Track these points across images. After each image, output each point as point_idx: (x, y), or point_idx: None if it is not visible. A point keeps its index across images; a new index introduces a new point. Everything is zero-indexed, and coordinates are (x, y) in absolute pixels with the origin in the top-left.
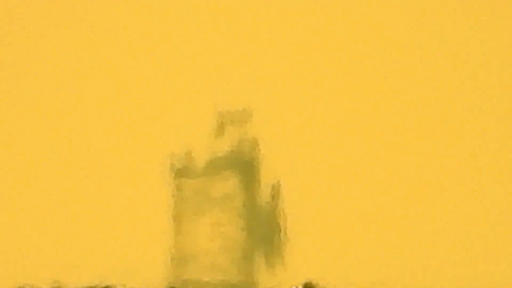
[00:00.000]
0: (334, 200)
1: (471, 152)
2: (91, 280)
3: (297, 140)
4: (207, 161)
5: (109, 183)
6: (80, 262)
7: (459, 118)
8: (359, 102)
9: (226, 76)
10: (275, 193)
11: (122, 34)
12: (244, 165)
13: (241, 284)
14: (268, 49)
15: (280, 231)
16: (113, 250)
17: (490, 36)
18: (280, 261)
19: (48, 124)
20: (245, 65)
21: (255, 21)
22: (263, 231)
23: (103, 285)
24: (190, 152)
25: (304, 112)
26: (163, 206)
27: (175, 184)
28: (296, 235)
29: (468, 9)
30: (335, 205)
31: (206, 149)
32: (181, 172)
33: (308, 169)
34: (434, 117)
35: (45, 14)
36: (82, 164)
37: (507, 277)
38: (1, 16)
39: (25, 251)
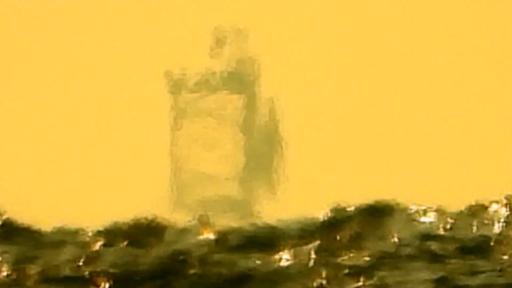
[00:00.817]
0: (333, 118)
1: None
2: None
3: (295, 58)
4: (204, 77)
5: (105, 102)
6: (78, 191)
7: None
8: (357, 23)
9: None
10: (272, 109)
11: None
12: (242, 82)
13: (242, 201)
14: None
15: (279, 149)
16: (112, 175)
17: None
18: (279, 180)
19: (44, 47)
20: None
21: None
22: (262, 148)
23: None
24: (186, 70)
25: (303, 32)
26: (161, 125)
27: (173, 101)
28: (295, 153)
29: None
30: (334, 124)
31: (204, 67)
32: (179, 89)
33: (305, 87)
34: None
35: None
36: (78, 81)
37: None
38: None
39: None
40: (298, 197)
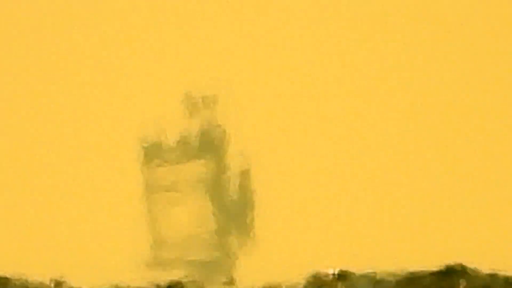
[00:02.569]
0: (305, 186)
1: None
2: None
3: (267, 126)
4: (177, 145)
5: (78, 168)
6: (47, 255)
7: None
8: (329, 87)
9: (196, 60)
10: (244, 178)
11: (92, 17)
12: (213, 150)
13: (218, 262)
14: (240, 34)
15: (251, 213)
16: (83, 239)
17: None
18: (252, 241)
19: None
20: (216, 48)
21: (226, 6)
22: (235, 213)
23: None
24: (159, 136)
25: (275, 100)
26: (134, 192)
27: (146, 169)
28: (267, 217)
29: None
30: (306, 191)
31: (175, 133)
32: (151, 156)
33: (278, 156)
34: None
35: None
36: (51, 149)
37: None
38: None
39: None
40: (275, 259)
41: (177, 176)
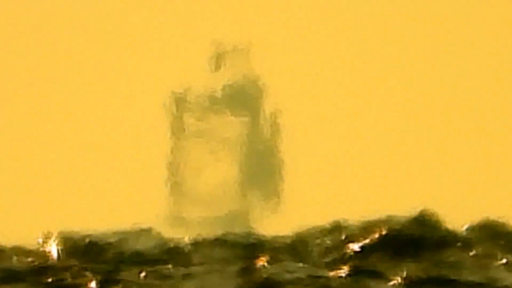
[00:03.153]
0: (335, 135)
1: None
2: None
3: (297, 75)
4: (206, 97)
5: (105, 121)
6: (77, 205)
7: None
8: (364, 35)
9: (226, 7)
10: (274, 127)
11: None
12: (244, 102)
13: (238, 221)
14: None
15: (279, 169)
16: (109, 188)
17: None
18: (277, 201)
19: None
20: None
21: None
22: (262, 169)
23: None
24: (188, 88)
25: (305, 48)
26: (161, 143)
27: (174, 120)
28: (295, 173)
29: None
30: (336, 141)
31: (205, 84)
32: (180, 109)
33: (308, 102)
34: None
35: None
36: (77, 99)
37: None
38: None
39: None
40: (298, 214)
41: (204, 127)
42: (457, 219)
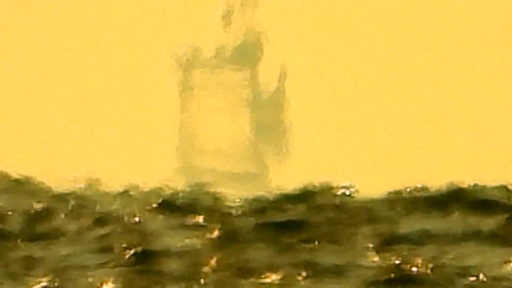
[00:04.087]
0: (340, 91)
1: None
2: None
3: (303, 30)
4: (214, 52)
5: (117, 74)
6: (87, 157)
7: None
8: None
9: None
10: (280, 81)
11: None
12: (250, 57)
13: (251, 172)
14: None
15: (285, 121)
16: (123, 141)
17: None
18: (286, 152)
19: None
20: None
21: None
22: (270, 120)
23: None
24: (196, 43)
25: (310, 4)
26: (171, 96)
27: (182, 74)
28: (301, 128)
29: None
30: (341, 97)
31: (213, 39)
32: (188, 62)
33: (313, 58)
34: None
35: None
36: (89, 57)
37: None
38: None
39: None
40: (305, 166)
41: (213, 82)
42: None
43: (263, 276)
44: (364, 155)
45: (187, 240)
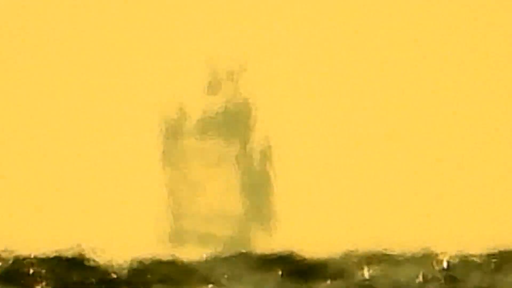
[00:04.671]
0: (327, 165)
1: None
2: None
3: (291, 101)
4: (199, 121)
5: (98, 142)
6: (68, 226)
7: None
8: (357, 62)
9: (220, 32)
10: (267, 156)
11: None
12: (237, 126)
13: (236, 239)
14: (264, 6)
15: (272, 194)
16: (101, 215)
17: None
18: (273, 225)
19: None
20: (240, 20)
21: None
22: (257, 193)
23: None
24: (182, 111)
25: (300, 73)
26: (154, 169)
27: (167, 145)
28: (288, 199)
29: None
30: (328, 171)
31: (198, 108)
32: (173, 132)
33: (301, 132)
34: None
35: None
36: (69, 122)
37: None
38: None
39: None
40: (292, 235)
41: (198, 151)
42: None
43: None
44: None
45: None
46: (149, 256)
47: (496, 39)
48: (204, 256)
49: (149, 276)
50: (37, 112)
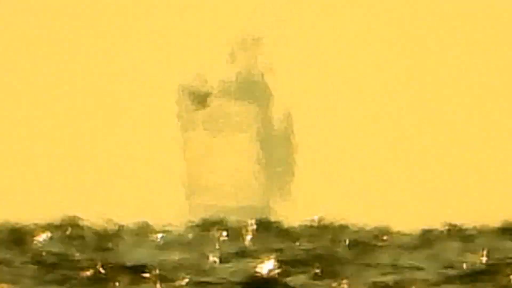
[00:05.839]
0: (346, 124)
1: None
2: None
3: (308, 69)
4: (220, 88)
5: (121, 109)
6: (91, 197)
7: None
8: (370, 32)
9: (240, 2)
10: (288, 121)
11: None
12: (257, 92)
13: (256, 210)
14: None
15: (293, 157)
16: (125, 183)
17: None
18: (292, 189)
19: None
20: None
21: None
22: (277, 156)
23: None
24: (202, 79)
25: (315, 40)
26: (176, 133)
27: (188, 111)
28: (307, 163)
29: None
30: (347, 130)
31: (219, 76)
32: (195, 100)
33: (319, 97)
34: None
35: None
36: (92, 87)
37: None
38: None
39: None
40: (311, 202)
41: (217, 118)
42: None
43: None
44: (368, 192)
45: None
46: None
47: (496, 39)
48: None
49: None
50: (58, 81)
